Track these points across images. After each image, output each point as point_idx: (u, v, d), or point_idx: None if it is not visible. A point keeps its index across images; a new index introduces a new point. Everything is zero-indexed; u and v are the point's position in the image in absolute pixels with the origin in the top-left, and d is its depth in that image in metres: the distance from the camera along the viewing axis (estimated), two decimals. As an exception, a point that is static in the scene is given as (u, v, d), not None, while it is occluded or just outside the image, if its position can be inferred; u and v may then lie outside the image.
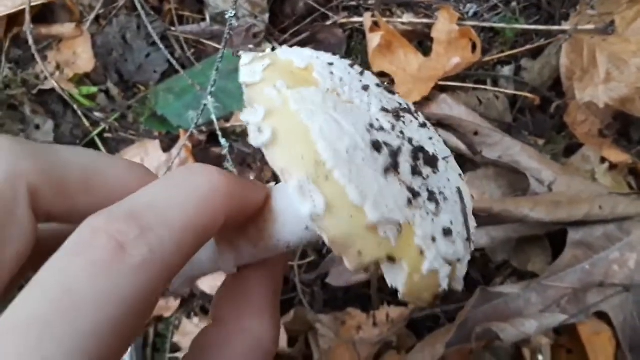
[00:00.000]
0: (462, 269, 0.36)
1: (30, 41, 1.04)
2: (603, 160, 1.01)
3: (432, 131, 0.40)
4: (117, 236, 0.26)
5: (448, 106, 0.98)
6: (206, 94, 0.90)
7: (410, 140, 0.36)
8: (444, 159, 0.38)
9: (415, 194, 0.33)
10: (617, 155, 1.01)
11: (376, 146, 0.33)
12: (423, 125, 0.39)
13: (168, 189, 0.30)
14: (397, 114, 0.37)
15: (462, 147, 0.99)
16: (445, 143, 0.41)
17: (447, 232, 0.34)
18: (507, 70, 1.09)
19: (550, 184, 0.96)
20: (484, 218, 0.93)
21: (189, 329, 1.06)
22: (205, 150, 1.10)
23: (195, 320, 1.07)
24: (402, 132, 0.36)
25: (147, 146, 1.04)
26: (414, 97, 0.99)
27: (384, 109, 0.37)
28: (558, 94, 1.08)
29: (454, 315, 1.04)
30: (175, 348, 1.08)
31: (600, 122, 1.06)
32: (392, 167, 0.33)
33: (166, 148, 1.06)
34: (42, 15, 1.18)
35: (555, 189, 0.96)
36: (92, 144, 1.15)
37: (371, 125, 0.34)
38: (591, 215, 0.90)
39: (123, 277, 0.25)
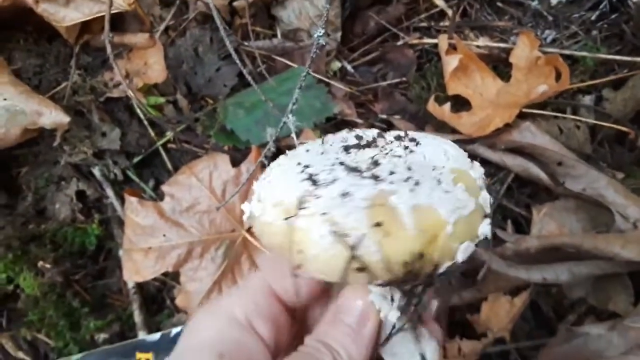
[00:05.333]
0: None
1: (109, 49, 1.03)
2: (689, 198, 0.97)
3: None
4: None
5: (531, 134, 0.95)
6: (287, 111, 0.88)
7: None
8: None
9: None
10: None
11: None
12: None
13: None
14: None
15: (543, 176, 0.96)
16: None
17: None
18: (587, 100, 1.06)
19: (635, 220, 0.92)
20: (569, 253, 0.89)
21: None
22: (272, 166, 1.08)
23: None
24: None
25: (217, 159, 1.03)
26: (496, 123, 0.96)
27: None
28: (640, 127, 1.05)
29: (525, 353, 1.00)
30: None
31: (684, 158, 1.02)
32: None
33: (234, 162, 1.04)
34: (113, 24, 1.18)
35: (642, 227, 0.92)
36: (156, 154, 1.14)
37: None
38: (681, 257, 0.86)
39: None
